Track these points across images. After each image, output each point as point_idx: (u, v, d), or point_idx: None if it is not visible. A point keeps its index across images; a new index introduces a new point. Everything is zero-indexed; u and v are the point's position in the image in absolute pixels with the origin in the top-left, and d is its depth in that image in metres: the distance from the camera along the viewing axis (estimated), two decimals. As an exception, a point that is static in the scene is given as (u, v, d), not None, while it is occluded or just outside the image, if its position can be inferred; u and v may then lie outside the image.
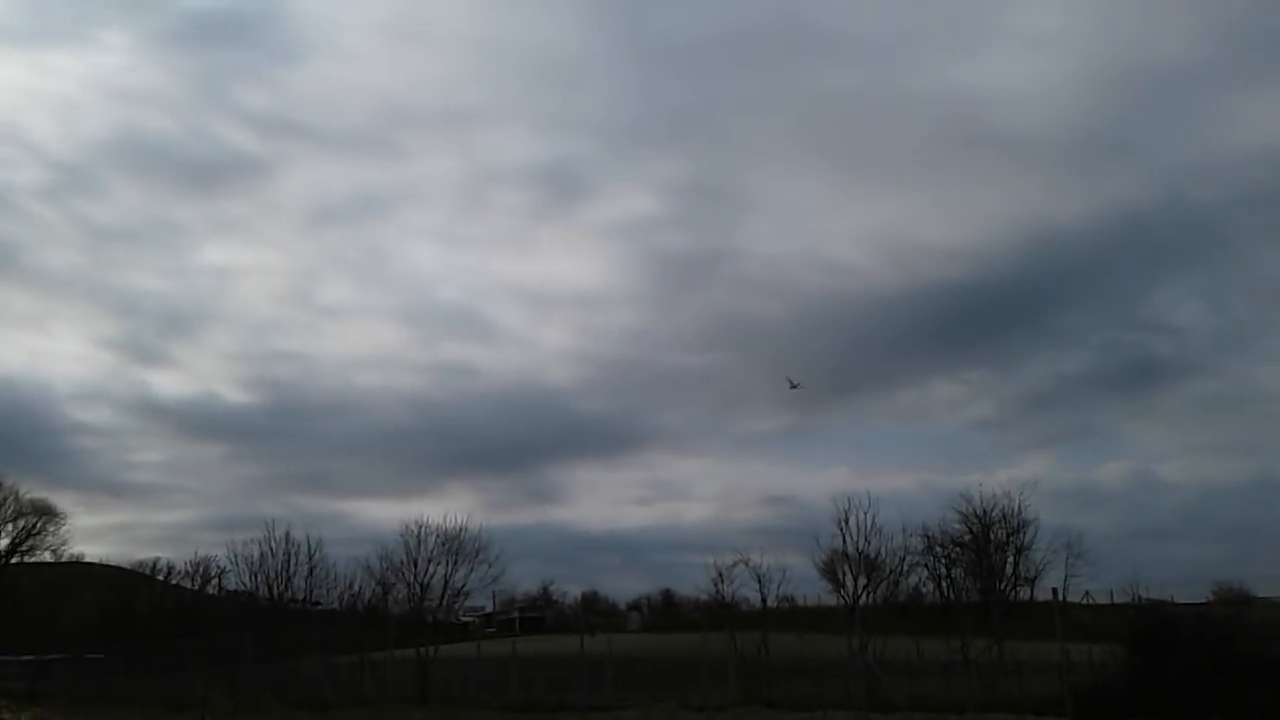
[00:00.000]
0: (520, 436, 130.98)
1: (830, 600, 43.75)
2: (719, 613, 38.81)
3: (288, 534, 41.69)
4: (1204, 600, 38.35)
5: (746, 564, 40.06)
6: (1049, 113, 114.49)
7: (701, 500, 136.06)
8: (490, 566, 40.28)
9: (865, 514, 39.65)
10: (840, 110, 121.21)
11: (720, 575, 40.25)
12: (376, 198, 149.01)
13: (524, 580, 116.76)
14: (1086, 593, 47.28)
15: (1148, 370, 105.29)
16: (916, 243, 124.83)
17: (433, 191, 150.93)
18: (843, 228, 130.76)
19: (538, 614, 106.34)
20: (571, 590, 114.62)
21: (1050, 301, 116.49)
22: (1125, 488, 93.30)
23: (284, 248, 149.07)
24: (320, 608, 43.18)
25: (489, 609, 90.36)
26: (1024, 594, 43.92)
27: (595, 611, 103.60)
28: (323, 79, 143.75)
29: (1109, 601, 47.29)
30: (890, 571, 40.25)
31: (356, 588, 43.32)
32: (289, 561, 41.61)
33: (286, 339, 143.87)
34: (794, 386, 69.64)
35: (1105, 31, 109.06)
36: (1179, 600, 38.44)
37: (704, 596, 42.89)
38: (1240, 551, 72.01)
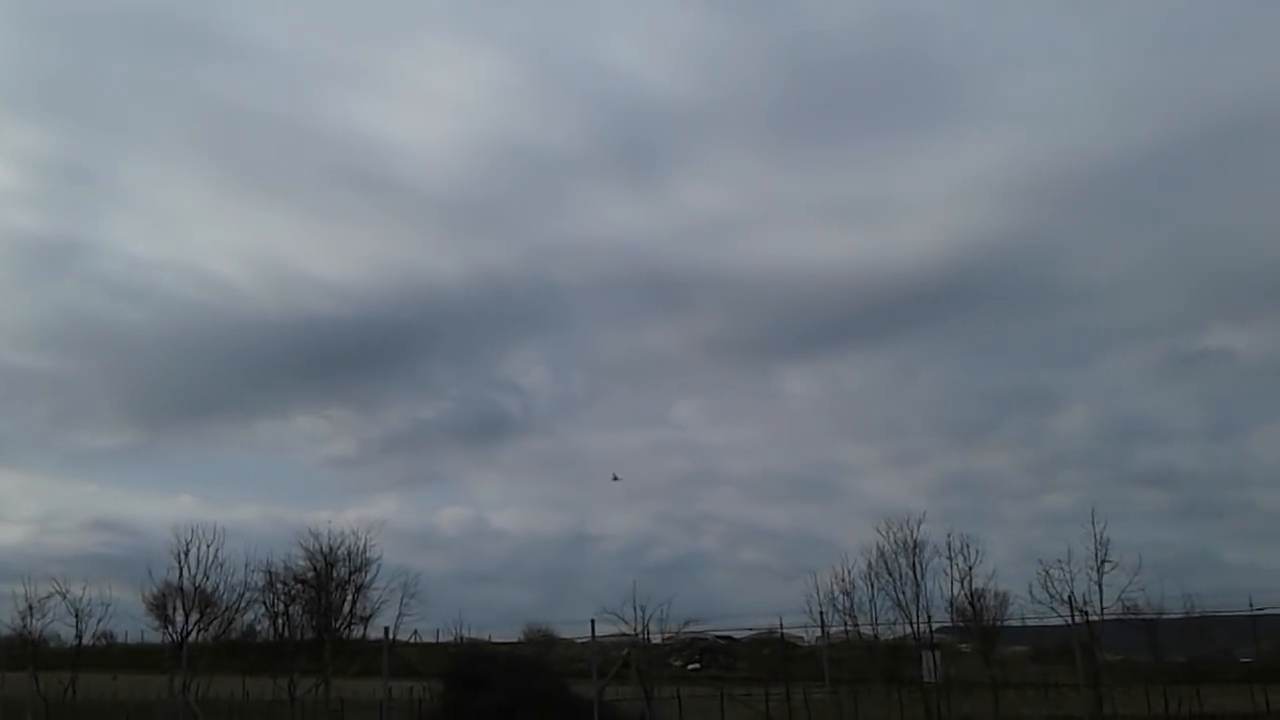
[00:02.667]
0: None
1: (156, 638, 41.28)
2: (23, 650, 34.78)
3: None
4: (516, 640, 42.49)
5: (64, 596, 36.50)
6: (440, 172, 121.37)
7: (16, 522, 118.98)
8: None
9: (208, 547, 38.31)
10: (236, 121, 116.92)
11: (30, 608, 36.18)
12: None
13: None
14: (415, 631, 49.69)
15: (495, 425, 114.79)
16: (297, 271, 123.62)
17: None
18: (222, 242, 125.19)
19: None
20: None
21: (419, 350, 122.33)
22: (462, 532, 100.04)
23: None
24: None
25: None
26: (358, 632, 44.98)
27: None
28: None
29: (435, 640, 50.30)
30: (226, 608, 39.13)
31: None
32: None
33: None
34: (616, 480, 68.71)
35: (494, 109, 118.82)
36: (496, 639, 42.27)
37: (6, 632, 38.27)
38: (551, 595, 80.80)
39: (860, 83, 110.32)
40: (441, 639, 48.06)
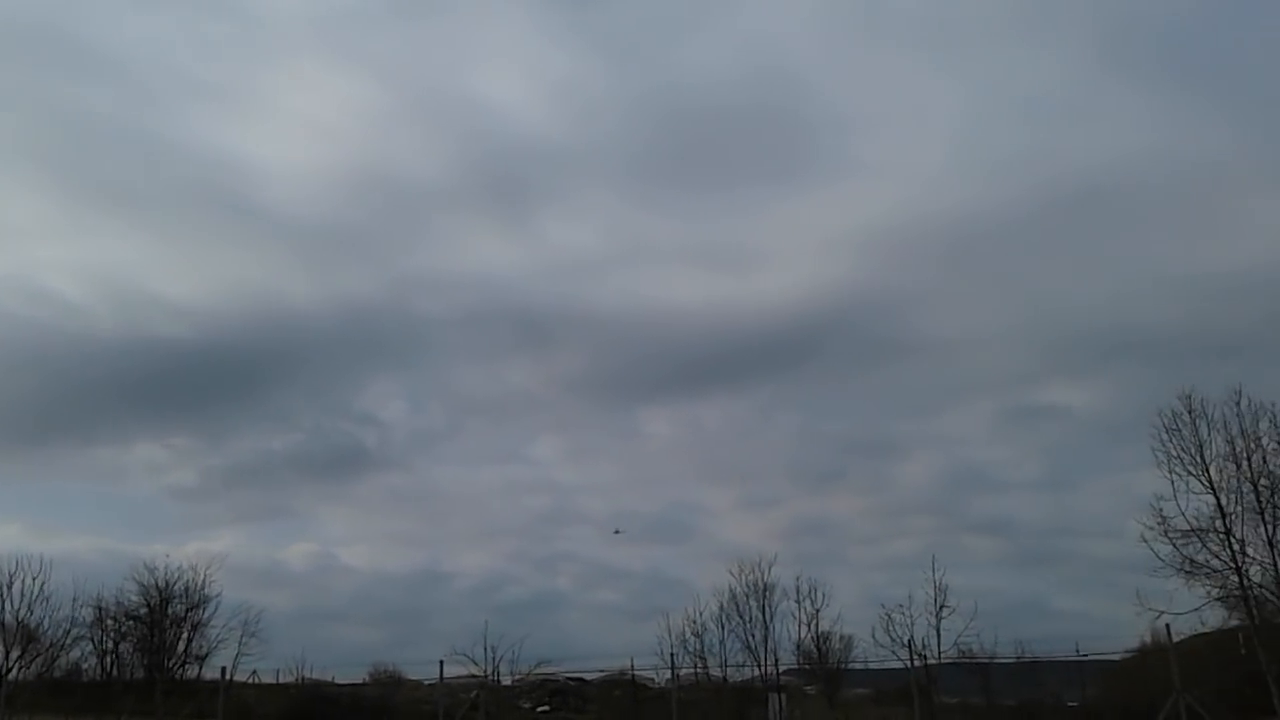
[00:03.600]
0: None
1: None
2: None
3: None
4: (361, 681, 41.21)
5: None
6: (301, 196, 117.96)
7: None
8: None
9: (33, 579, 36.28)
10: (87, 134, 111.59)
11: None
12: None
13: None
14: (254, 672, 47.73)
15: (350, 459, 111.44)
16: (143, 291, 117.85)
17: None
18: (62, 258, 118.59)
19: None
20: None
21: (271, 378, 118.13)
22: (308, 569, 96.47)
23: None
24: None
25: None
26: (193, 672, 42.93)
27: None
28: None
29: (275, 681, 48.50)
30: (50, 644, 37.01)
31: None
32: None
33: None
34: (617, 533, 65.73)
35: (361, 136, 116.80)
36: (340, 680, 40.95)
37: None
38: (400, 635, 78.72)
39: (728, 134, 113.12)
40: (282, 680, 46.40)
